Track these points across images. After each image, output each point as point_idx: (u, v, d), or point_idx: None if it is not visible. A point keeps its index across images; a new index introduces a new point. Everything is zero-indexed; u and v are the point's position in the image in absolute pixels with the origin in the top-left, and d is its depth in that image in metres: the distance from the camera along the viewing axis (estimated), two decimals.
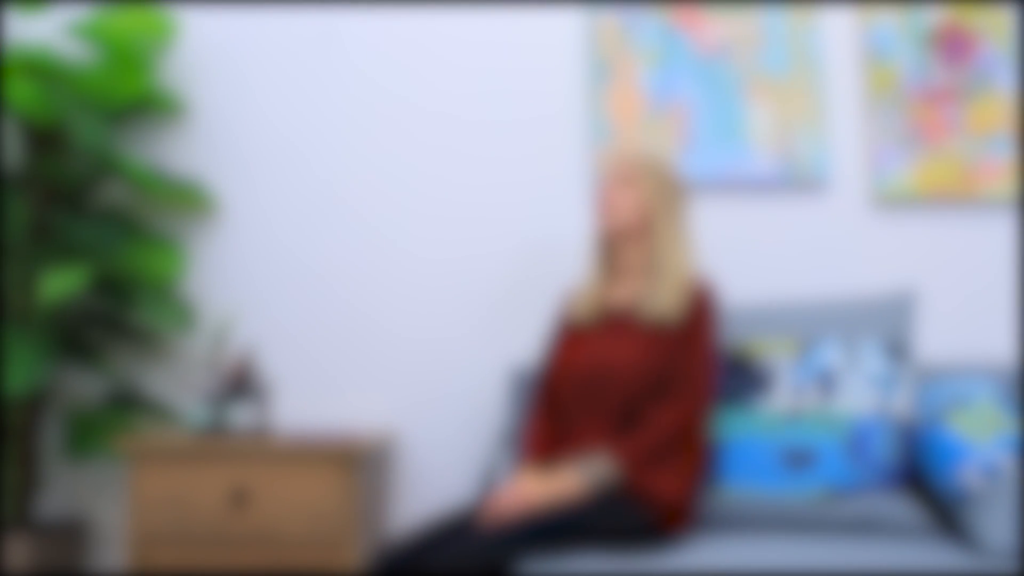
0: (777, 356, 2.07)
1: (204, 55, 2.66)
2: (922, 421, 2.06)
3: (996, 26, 2.52)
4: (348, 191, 2.60)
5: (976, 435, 1.92)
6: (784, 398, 2.03)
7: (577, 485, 1.83)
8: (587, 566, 1.75)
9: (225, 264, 2.60)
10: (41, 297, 2.15)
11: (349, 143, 2.62)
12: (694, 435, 1.91)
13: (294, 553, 2.14)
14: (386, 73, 2.63)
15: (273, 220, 2.61)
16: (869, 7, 2.55)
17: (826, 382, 2.03)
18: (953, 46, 2.53)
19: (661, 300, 1.98)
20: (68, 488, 2.57)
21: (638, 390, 1.93)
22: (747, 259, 2.53)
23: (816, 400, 2.02)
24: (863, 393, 2.02)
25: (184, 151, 2.64)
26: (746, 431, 2.03)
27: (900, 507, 1.94)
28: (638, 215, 2.05)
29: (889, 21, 2.54)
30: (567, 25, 2.61)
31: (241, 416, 2.27)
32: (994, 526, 1.80)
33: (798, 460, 1.99)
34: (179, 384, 2.57)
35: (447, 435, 2.53)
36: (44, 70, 2.35)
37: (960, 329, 2.48)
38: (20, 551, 2.24)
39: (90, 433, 2.45)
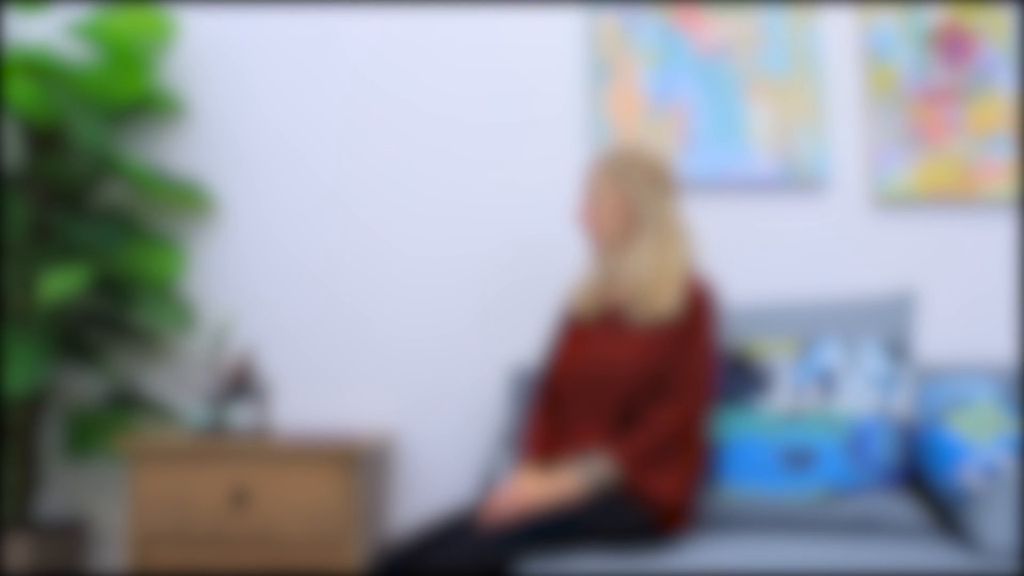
0: (777, 356, 2.07)
1: (204, 55, 2.66)
2: (922, 421, 2.06)
3: (996, 26, 2.52)
4: (348, 191, 2.61)
5: (976, 435, 1.92)
6: (784, 398, 2.03)
7: (576, 486, 1.83)
8: (587, 566, 1.75)
9: (225, 264, 2.60)
10: (41, 297, 2.15)
11: (349, 143, 2.62)
12: (693, 435, 1.91)
13: (294, 553, 2.14)
14: (385, 74, 2.63)
15: (273, 220, 2.61)
16: (869, 7, 2.55)
17: (826, 382, 2.03)
18: (953, 46, 2.53)
19: (658, 298, 1.97)
20: (68, 488, 2.57)
21: (636, 389, 1.93)
22: (747, 259, 2.53)
23: (816, 400, 2.02)
24: (863, 393, 2.02)
25: (184, 151, 2.64)
26: (746, 431, 2.03)
27: (900, 507, 1.94)
28: (620, 218, 2.02)
29: (889, 21, 2.54)
30: (567, 25, 2.61)
31: (241, 416, 2.27)
32: (994, 526, 1.80)
33: (798, 460, 1.99)
34: (179, 384, 2.57)
35: (447, 435, 2.53)
36: (44, 70, 2.35)
37: (960, 329, 2.48)
38: (20, 551, 2.24)
39: (90, 433, 2.45)
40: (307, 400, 2.56)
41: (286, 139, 2.63)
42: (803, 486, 1.98)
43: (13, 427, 2.40)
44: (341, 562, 2.14)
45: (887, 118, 2.52)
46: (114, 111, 2.51)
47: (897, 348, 2.07)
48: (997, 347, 2.47)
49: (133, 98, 2.45)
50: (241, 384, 2.30)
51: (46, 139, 2.48)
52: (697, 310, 1.97)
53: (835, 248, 2.52)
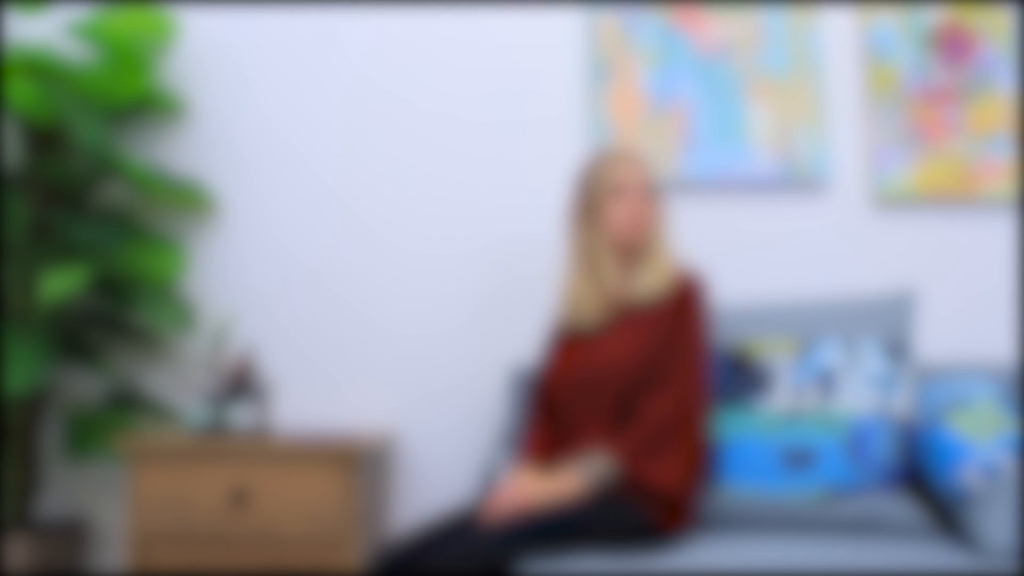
0: (777, 356, 2.07)
1: (204, 55, 2.66)
2: (922, 421, 2.06)
3: (996, 26, 2.52)
4: (348, 191, 2.61)
5: (976, 435, 1.92)
6: (784, 398, 2.03)
7: (576, 484, 1.83)
8: (587, 566, 1.75)
9: (225, 264, 2.60)
10: (41, 297, 2.15)
11: (349, 143, 2.62)
12: (690, 424, 1.91)
13: (294, 553, 2.14)
14: (386, 73, 2.63)
15: (273, 220, 2.61)
16: (869, 7, 2.55)
17: (826, 382, 2.03)
18: (953, 46, 2.53)
19: (647, 280, 2.02)
20: (68, 488, 2.57)
21: (631, 383, 1.94)
22: (747, 259, 2.53)
23: (816, 400, 2.02)
24: (863, 393, 2.02)
25: (184, 151, 2.64)
26: (746, 431, 2.03)
27: (900, 507, 1.94)
28: (656, 224, 2.09)
29: (889, 21, 2.54)
30: (567, 25, 2.61)
31: (241, 416, 2.27)
32: (994, 526, 1.80)
33: (798, 460, 1.99)
34: (179, 384, 2.57)
35: (447, 435, 2.53)
36: (44, 70, 2.35)
37: (960, 329, 2.48)
38: (20, 551, 2.24)
39: (90, 433, 2.45)
40: (307, 400, 2.56)
41: (286, 139, 2.63)
42: (803, 486, 1.98)
43: (13, 427, 2.40)
44: (341, 562, 2.14)
45: (887, 118, 2.52)
46: (114, 111, 2.51)
47: (897, 348, 2.07)
48: (997, 347, 2.47)
49: (133, 98, 2.45)
50: (241, 384, 2.30)
51: (46, 139, 2.48)
52: (686, 299, 1.99)
53: (835, 248, 2.52)
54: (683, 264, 2.06)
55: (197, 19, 2.67)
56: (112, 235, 2.44)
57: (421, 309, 2.56)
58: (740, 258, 2.53)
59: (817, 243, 2.52)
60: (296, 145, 2.63)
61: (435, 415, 2.54)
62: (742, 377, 2.07)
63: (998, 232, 2.50)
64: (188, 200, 2.50)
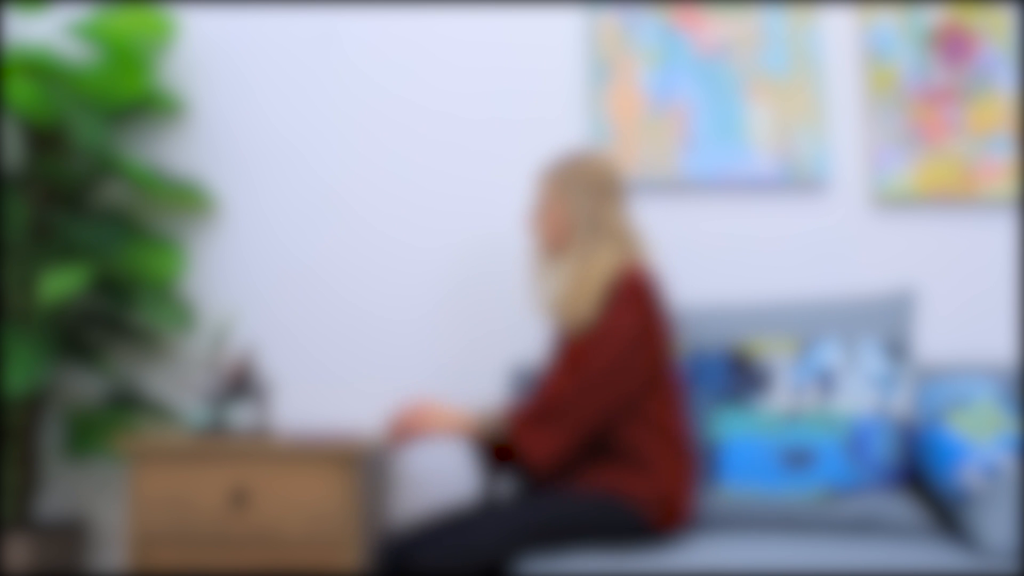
0: (776, 355, 2.07)
1: (204, 55, 2.66)
2: (922, 421, 2.06)
3: (996, 26, 2.52)
4: (348, 191, 2.61)
5: (976, 435, 1.92)
6: (783, 397, 2.03)
7: (468, 426, 1.96)
8: (587, 566, 1.75)
9: (225, 264, 2.60)
10: (41, 297, 2.15)
11: (349, 143, 2.62)
12: (586, 407, 1.85)
13: (294, 553, 2.14)
14: (386, 73, 2.63)
15: (273, 220, 2.61)
16: (869, 7, 2.55)
17: (826, 382, 2.03)
18: (953, 46, 2.53)
19: (577, 309, 1.94)
20: (68, 488, 2.57)
21: None
22: (747, 259, 2.53)
23: (815, 400, 2.02)
24: (863, 393, 2.02)
25: (184, 151, 2.64)
26: (745, 431, 2.03)
27: (900, 507, 1.94)
28: (560, 228, 2.04)
29: (889, 21, 2.54)
30: (567, 25, 2.61)
31: (241, 416, 2.27)
32: (994, 526, 1.80)
33: (797, 460, 1.99)
34: (179, 384, 2.57)
35: (447, 435, 2.52)
36: (44, 70, 2.35)
37: (960, 329, 2.48)
38: (20, 551, 2.24)
39: (90, 433, 2.45)
40: (307, 400, 2.56)
41: (286, 139, 2.63)
42: (802, 486, 1.98)
43: (13, 427, 2.40)
44: (341, 562, 2.14)
45: (887, 118, 2.52)
46: (114, 111, 2.51)
47: (897, 348, 2.07)
48: (997, 347, 2.47)
49: (133, 98, 2.45)
50: (241, 384, 2.30)
51: (46, 139, 2.48)
52: (612, 297, 1.91)
53: (835, 248, 2.52)
54: (630, 269, 1.94)
55: (197, 19, 2.67)
56: (112, 235, 2.44)
57: (421, 308, 2.56)
58: (740, 258, 2.53)
59: (817, 243, 2.52)
60: (296, 145, 2.63)
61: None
62: (742, 377, 2.07)
63: (998, 232, 2.50)
64: (188, 200, 2.50)
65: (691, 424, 1.99)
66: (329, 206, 2.60)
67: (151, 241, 2.49)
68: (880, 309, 2.11)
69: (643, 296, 1.90)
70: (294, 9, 2.66)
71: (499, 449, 2.00)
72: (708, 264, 2.53)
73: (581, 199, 2.03)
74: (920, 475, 2.07)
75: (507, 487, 2.29)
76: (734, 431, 2.03)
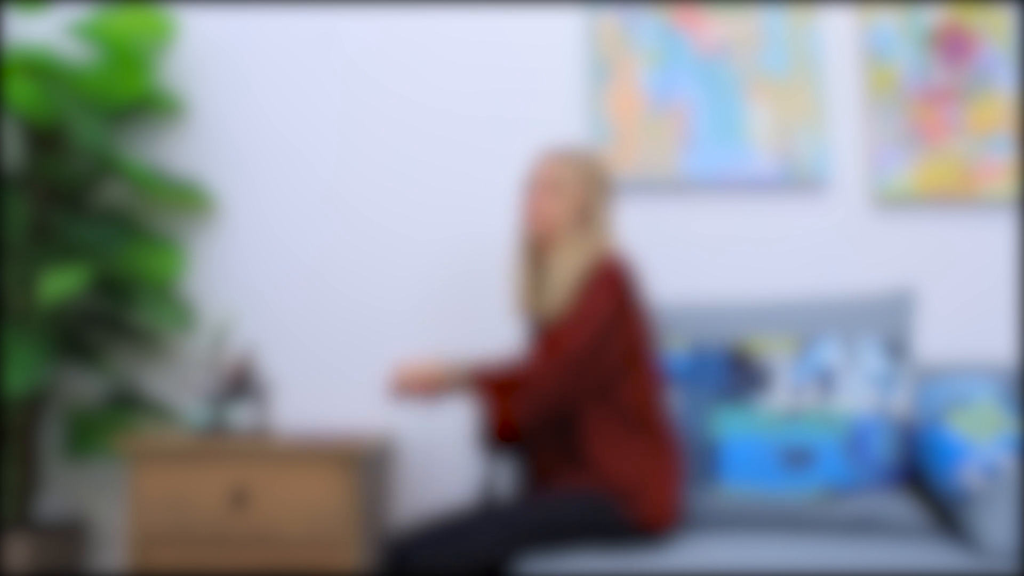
0: (776, 354, 2.07)
1: (204, 55, 2.66)
2: (922, 420, 2.06)
3: (996, 26, 2.52)
4: (348, 191, 2.61)
5: (976, 435, 1.92)
6: (783, 396, 2.03)
7: (445, 374, 1.93)
8: (586, 566, 1.75)
9: (225, 264, 2.60)
10: (41, 297, 2.15)
11: (349, 143, 2.62)
12: (555, 384, 1.85)
13: (294, 553, 2.14)
14: (386, 73, 2.63)
15: (273, 220, 2.61)
16: (869, 7, 2.55)
17: (825, 381, 2.03)
18: (953, 46, 2.53)
19: (554, 297, 1.96)
20: (68, 488, 2.57)
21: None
22: (746, 259, 2.53)
23: (815, 399, 2.02)
24: (862, 392, 2.02)
25: (184, 151, 2.64)
26: (745, 429, 2.03)
27: (900, 507, 1.94)
28: (572, 217, 2.02)
29: (889, 21, 2.54)
30: (567, 25, 2.61)
31: (241, 416, 2.27)
32: (994, 526, 1.80)
33: (797, 459, 1.99)
34: (179, 384, 2.57)
35: (447, 436, 2.53)
36: (44, 70, 2.35)
37: (960, 329, 2.48)
38: (20, 551, 2.24)
39: (90, 433, 2.45)
40: (307, 400, 2.56)
41: (286, 139, 2.63)
42: (802, 485, 1.98)
43: (13, 427, 2.40)
44: (341, 562, 2.14)
45: (887, 118, 2.52)
46: (114, 111, 2.51)
47: (896, 347, 2.07)
48: (997, 347, 2.47)
49: (133, 98, 2.45)
50: (241, 384, 2.30)
51: (46, 139, 2.48)
52: (588, 283, 1.91)
53: (835, 248, 2.52)
54: (603, 256, 1.96)
55: (197, 19, 2.67)
56: (112, 235, 2.44)
57: (421, 308, 2.56)
58: (739, 258, 2.53)
59: (817, 243, 2.52)
60: (296, 145, 2.63)
61: (435, 415, 2.54)
62: (741, 375, 2.07)
63: (998, 232, 2.50)
64: (188, 200, 2.50)
65: (670, 415, 1.98)
66: (329, 206, 2.60)
67: (151, 241, 2.49)
68: (880, 308, 2.11)
69: (618, 282, 1.90)
70: (294, 9, 2.66)
71: (502, 427, 1.93)
72: (708, 264, 2.53)
73: (581, 192, 2.03)
74: (920, 475, 2.07)
75: (505, 486, 2.30)
76: (734, 430, 2.03)
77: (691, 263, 2.54)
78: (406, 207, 2.59)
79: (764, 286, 2.52)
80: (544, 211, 2.03)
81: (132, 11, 2.43)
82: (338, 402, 2.55)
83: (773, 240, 2.53)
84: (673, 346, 2.15)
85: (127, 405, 2.47)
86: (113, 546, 2.55)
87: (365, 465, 2.24)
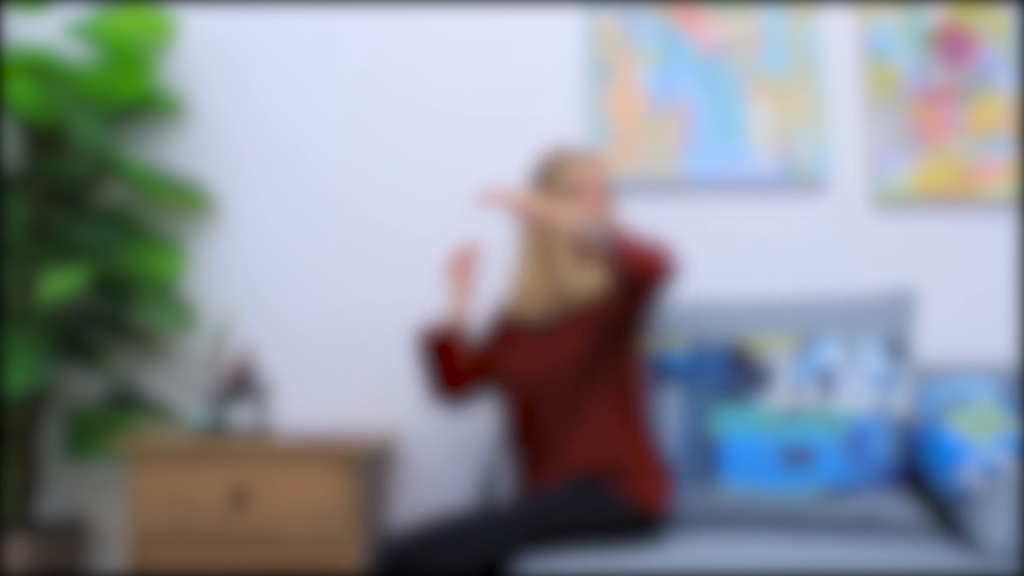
0: (777, 353, 2.07)
1: (204, 55, 2.66)
2: (922, 420, 2.06)
3: (996, 26, 2.52)
4: (349, 191, 2.61)
5: (976, 435, 1.92)
6: (783, 395, 2.04)
7: (575, 223, 1.85)
8: (586, 565, 1.75)
9: (225, 264, 2.60)
10: (41, 297, 2.15)
11: (349, 143, 2.62)
12: (665, 255, 1.87)
13: (294, 553, 2.14)
14: (386, 73, 2.63)
15: (273, 220, 2.61)
16: (869, 7, 2.55)
17: (826, 380, 2.03)
18: (953, 46, 2.53)
19: (598, 277, 2.05)
20: (68, 488, 2.57)
21: (587, 370, 1.97)
22: (747, 259, 2.53)
23: (816, 398, 2.02)
24: (863, 391, 2.02)
25: (184, 151, 2.64)
26: (745, 428, 2.03)
27: (899, 506, 1.94)
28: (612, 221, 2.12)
29: (889, 21, 2.54)
30: (567, 25, 2.61)
31: (241, 416, 2.27)
32: (994, 526, 1.80)
33: (797, 458, 1.99)
34: (179, 384, 2.57)
35: (447, 436, 2.53)
36: (44, 70, 2.35)
37: (960, 329, 2.48)
38: (20, 551, 2.24)
39: (90, 433, 2.45)
40: (307, 400, 2.56)
41: (287, 139, 2.63)
42: (802, 484, 1.98)
43: (13, 427, 2.40)
44: (341, 562, 2.14)
45: (887, 118, 2.52)
46: (114, 111, 2.51)
47: (897, 347, 2.07)
48: (997, 347, 2.47)
49: (133, 98, 2.45)
50: (241, 384, 2.30)
51: (46, 139, 2.48)
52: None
53: (835, 248, 2.52)
54: None
55: (197, 19, 2.67)
56: (112, 235, 2.44)
57: (422, 308, 2.56)
58: (739, 258, 2.53)
59: (817, 243, 2.52)
60: (296, 145, 2.63)
61: (435, 416, 2.54)
62: (742, 374, 2.07)
63: (998, 232, 2.50)
64: (188, 200, 2.50)
65: (651, 415, 2.08)
66: (329, 206, 2.60)
67: (151, 241, 2.49)
68: (881, 308, 2.11)
69: None
70: (294, 9, 2.66)
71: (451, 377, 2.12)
72: (707, 264, 2.53)
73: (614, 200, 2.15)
74: (919, 474, 2.07)
75: (506, 486, 2.29)
76: (734, 429, 2.03)
77: (691, 263, 2.54)
78: (406, 206, 2.59)
79: (764, 286, 2.52)
80: (605, 216, 2.10)
81: (132, 11, 2.43)
82: (338, 402, 2.55)
83: (773, 240, 2.53)
84: (673, 345, 2.15)
85: (127, 405, 2.47)
86: (113, 546, 2.55)
87: (365, 465, 2.24)
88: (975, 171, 2.49)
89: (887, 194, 2.49)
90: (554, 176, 2.08)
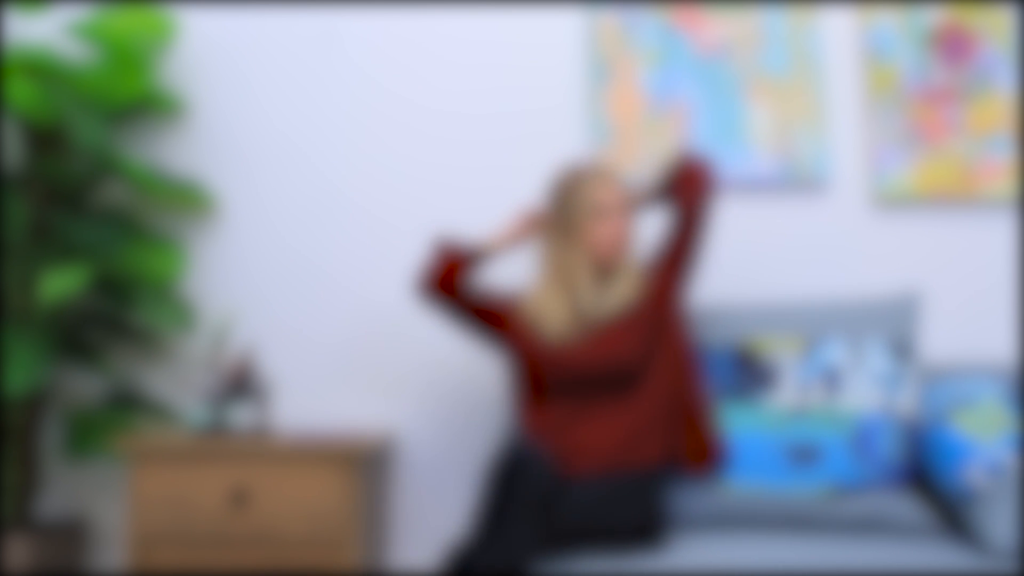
0: (783, 353, 2.07)
1: (204, 55, 2.66)
2: (927, 420, 2.06)
3: (996, 26, 2.53)
4: (348, 190, 2.60)
5: (980, 434, 1.92)
6: (790, 394, 2.04)
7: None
8: (587, 566, 1.75)
9: (225, 264, 2.60)
10: (41, 297, 2.15)
11: (349, 143, 2.62)
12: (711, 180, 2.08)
13: (294, 553, 2.14)
14: (386, 73, 2.63)
15: (273, 220, 2.61)
16: (869, 7, 2.55)
17: (831, 380, 2.03)
18: (953, 46, 2.53)
19: (619, 293, 2.08)
20: (68, 488, 2.57)
21: (626, 374, 2.00)
22: (747, 259, 2.53)
23: (821, 397, 2.02)
24: (868, 391, 2.02)
25: (184, 151, 2.64)
26: (752, 426, 2.03)
27: (905, 506, 1.94)
28: (632, 239, 2.12)
29: (889, 21, 2.54)
30: (567, 25, 2.61)
31: (241, 416, 2.27)
32: (998, 525, 1.80)
33: (804, 456, 1.99)
34: (179, 384, 2.57)
35: (447, 436, 2.53)
36: (44, 70, 2.35)
37: (962, 329, 2.48)
38: (20, 551, 2.24)
39: (90, 433, 2.44)
40: (307, 400, 2.55)
41: (287, 139, 2.63)
42: (808, 483, 1.98)
43: (13, 427, 2.39)
44: (341, 562, 2.13)
45: (887, 118, 2.52)
46: (114, 111, 2.51)
47: (902, 347, 2.07)
48: (998, 347, 2.47)
49: (133, 98, 2.45)
50: (241, 384, 2.30)
51: (46, 139, 2.48)
52: (647, 271, 2.13)
53: (835, 248, 2.52)
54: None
55: (197, 19, 2.66)
56: (112, 235, 2.44)
57: (423, 308, 2.56)
58: (739, 258, 2.53)
59: (817, 243, 2.52)
60: (297, 144, 2.63)
61: (435, 416, 2.53)
62: (748, 374, 2.08)
63: (998, 232, 2.50)
64: (188, 200, 2.50)
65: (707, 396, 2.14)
66: (329, 205, 2.60)
67: (151, 241, 2.49)
68: (885, 309, 2.12)
69: None
70: (294, 9, 2.66)
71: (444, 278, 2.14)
72: (707, 263, 2.53)
73: (630, 205, 2.15)
74: (925, 474, 2.07)
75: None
76: (740, 427, 2.04)
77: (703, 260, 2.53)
78: (406, 206, 2.59)
79: (763, 285, 2.52)
80: (625, 234, 2.09)
81: (132, 11, 2.43)
82: (338, 402, 2.55)
83: (772, 240, 2.53)
84: None
85: (127, 405, 2.46)
86: (113, 546, 2.55)
87: (365, 465, 2.24)
88: (975, 171, 2.49)
89: (887, 194, 2.49)
90: (571, 197, 2.07)
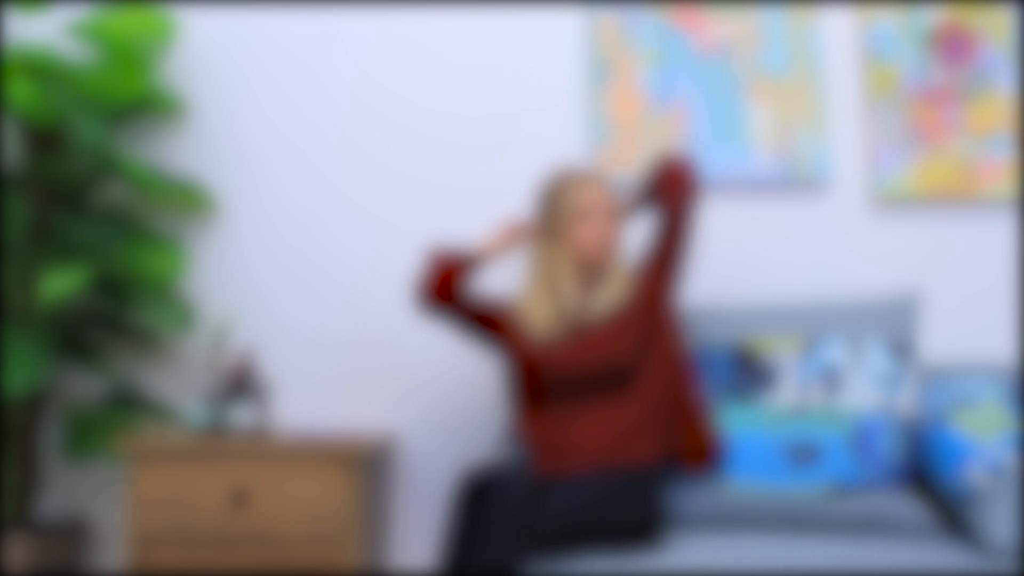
0: (782, 353, 2.07)
1: (204, 55, 2.66)
2: (926, 420, 2.06)
3: (996, 26, 2.53)
4: (348, 190, 2.60)
5: (980, 434, 1.92)
6: (789, 394, 2.04)
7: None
8: (587, 566, 1.75)
9: (225, 264, 2.60)
10: (41, 297, 2.15)
11: (349, 143, 2.62)
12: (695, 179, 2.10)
13: (294, 553, 2.14)
14: (386, 73, 2.63)
15: (273, 220, 2.61)
16: (869, 7, 2.55)
17: (831, 379, 2.03)
18: (953, 46, 2.53)
19: (606, 296, 2.08)
20: (68, 488, 2.57)
21: (619, 372, 2.01)
22: (747, 259, 2.53)
23: (821, 397, 2.02)
24: (868, 391, 2.02)
25: (184, 151, 2.64)
26: (751, 426, 2.03)
27: (905, 505, 1.94)
28: (618, 242, 2.13)
29: (889, 21, 2.54)
30: (567, 25, 2.61)
31: (241, 416, 2.27)
32: (998, 525, 1.80)
33: (803, 455, 1.99)
34: (179, 384, 2.57)
35: (447, 436, 2.53)
36: (44, 70, 2.35)
37: (962, 329, 2.48)
38: (20, 551, 2.24)
39: (90, 433, 2.44)
40: (307, 400, 2.56)
41: (287, 139, 2.63)
42: (808, 482, 1.98)
43: (13, 427, 2.39)
44: (341, 562, 2.13)
45: (887, 118, 2.52)
46: (114, 111, 2.51)
47: (901, 347, 2.07)
48: (998, 346, 2.47)
49: (133, 98, 2.45)
50: (241, 384, 2.30)
51: (46, 139, 2.48)
52: (637, 273, 2.13)
53: (835, 248, 2.52)
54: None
55: (197, 19, 2.66)
56: (112, 235, 2.44)
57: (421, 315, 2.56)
58: (739, 258, 2.53)
59: (817, 243, 2.52)
60: (297, 144, 2.63)
61: (434, 416, 2.53)
62: (748, 373, 2.08)
63: (998, 232, 2.50)
64: (188, 200, 2.50)
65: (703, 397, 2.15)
66: (329, 206, 2.60)
67: (151, 241, 2.49)
68: (885, 309, 2.12)
69: None
70: (294, 9, 2.66)
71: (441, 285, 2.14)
72: (707, 264, 2.53)
73: (618, 208, 2.15)
74: (925, 474, 2.07)
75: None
76: (740, 426, 2.04)
77: (690, 262, 2.54)
78: (406, 206, 2.59)
79: (763, 285, 2.52)
80: (610, 237, 2.09)
81: (132, 11, 2.43)
82: (338, 402, 2.55)
83: (772, 240, 2.53)
84: None
85: (127, 405, 2.46)
86: (113, 546, 2.55)
87: (365, 465, 2.24)
88: (975, 171, 2.49)
89: (887, 194, 2.49)
90: (557, 200, 2.09)
